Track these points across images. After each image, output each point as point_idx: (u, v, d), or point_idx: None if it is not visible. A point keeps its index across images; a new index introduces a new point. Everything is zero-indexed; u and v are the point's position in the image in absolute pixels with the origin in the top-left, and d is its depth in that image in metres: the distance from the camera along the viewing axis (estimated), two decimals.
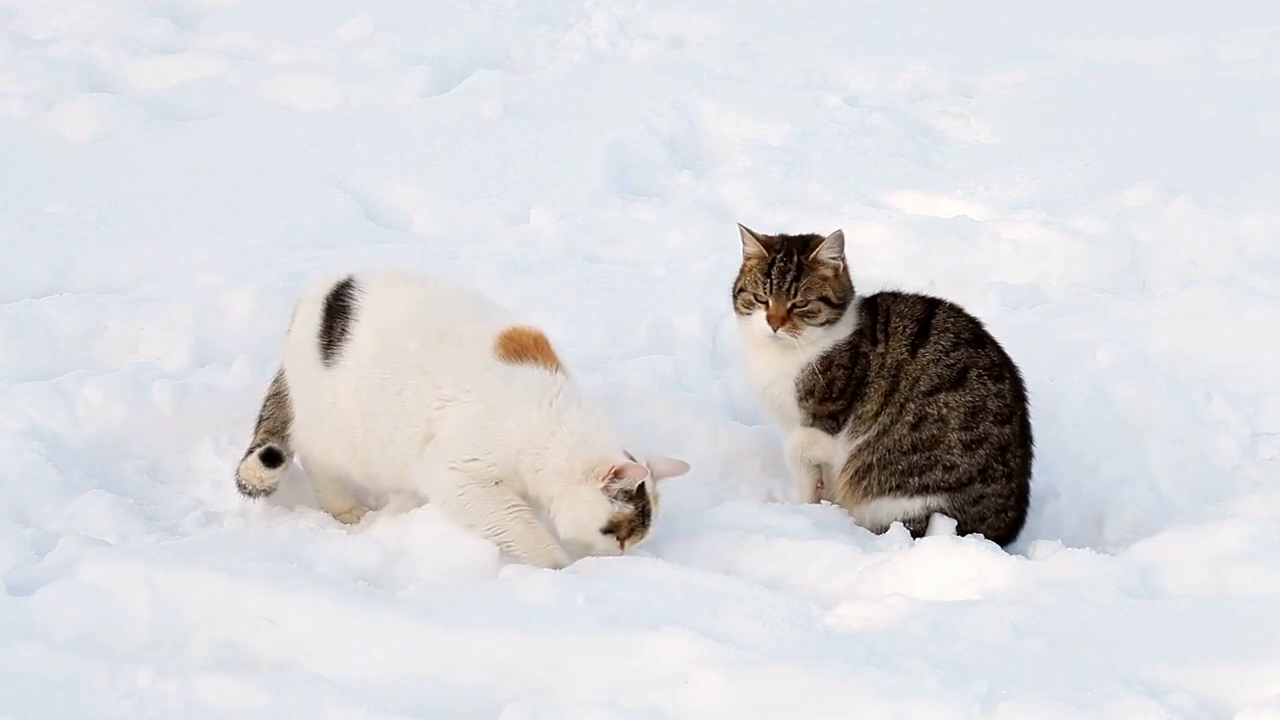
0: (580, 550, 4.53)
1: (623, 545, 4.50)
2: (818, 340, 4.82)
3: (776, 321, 4.78)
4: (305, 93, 7.94)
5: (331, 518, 4.77)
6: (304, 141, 7.24)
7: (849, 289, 4.84)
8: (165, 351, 5.44)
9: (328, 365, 4.60)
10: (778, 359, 4.87)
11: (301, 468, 4.84)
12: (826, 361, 4.84)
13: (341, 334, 4.59)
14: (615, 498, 4.47)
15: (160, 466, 4.98)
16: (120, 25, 8.66)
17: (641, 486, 4.49)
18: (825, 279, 4.80)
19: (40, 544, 4.41)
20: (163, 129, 7.37)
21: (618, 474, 4.45)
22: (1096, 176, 7.25)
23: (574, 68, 8.45)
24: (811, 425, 4.89)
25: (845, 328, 4.85)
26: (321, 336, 4.62)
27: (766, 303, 4.79)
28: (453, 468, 4.46)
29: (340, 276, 4.68)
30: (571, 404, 4.50)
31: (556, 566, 4.42)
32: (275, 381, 4.83)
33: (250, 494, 4.76)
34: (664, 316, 5.75)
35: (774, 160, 7.34)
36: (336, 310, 4.62)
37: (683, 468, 4.63)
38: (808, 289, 4.78)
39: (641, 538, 4.52)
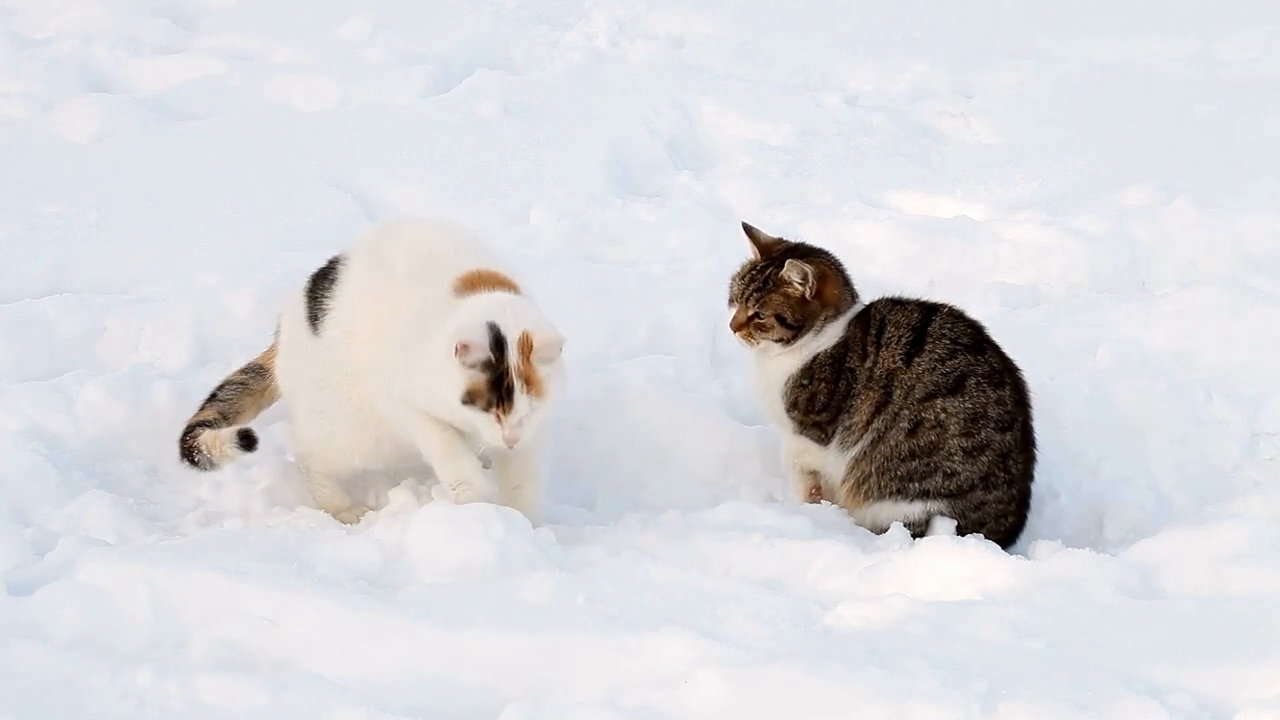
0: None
1: (500, 420, 4.38)
2: (796, 350, 4.83)
3: (735, 325, 4.86)
4: (305, 93, 7.93)
5: (331, 517, 4.77)
6: (304, 141, 7.23)
7: (813, 315, 4.82)
8: (165, 351, 5.44)
9: (317, 334, 4.66)
10: (766, 367, 4.90)
11: (298, 467, 4.85)
12: (808, 373, 4.85)
13: (330, 287, 4.65)
14: (471, 366, 4.37)
15: (160, 466, 4.98)
16: (120, 25, 8.64)
17: (500, 354, 4.36)
18: (787, 298, 4.81)
19: (40, 544, 4.41)
20: (163, 129, 7.36)
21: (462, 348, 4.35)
22: (1096, 176, 7.24)
23: (574, 68, 8.43)
24: (801, 434, 4.91)
25: (829, 340, 4.85)
26: (309, 317, 4.68)
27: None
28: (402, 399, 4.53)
29: (319, 265, 4.76)
30: (488, 299, 4.47)
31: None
32: (243, 370, 4.89)
33: (199, 466, 4.73)
34: (664, 317, 5.75)
35: (774, 160, 7.33)
36: (321, 281, 4.69)
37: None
38: (765, 304, 4.82)
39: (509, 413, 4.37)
